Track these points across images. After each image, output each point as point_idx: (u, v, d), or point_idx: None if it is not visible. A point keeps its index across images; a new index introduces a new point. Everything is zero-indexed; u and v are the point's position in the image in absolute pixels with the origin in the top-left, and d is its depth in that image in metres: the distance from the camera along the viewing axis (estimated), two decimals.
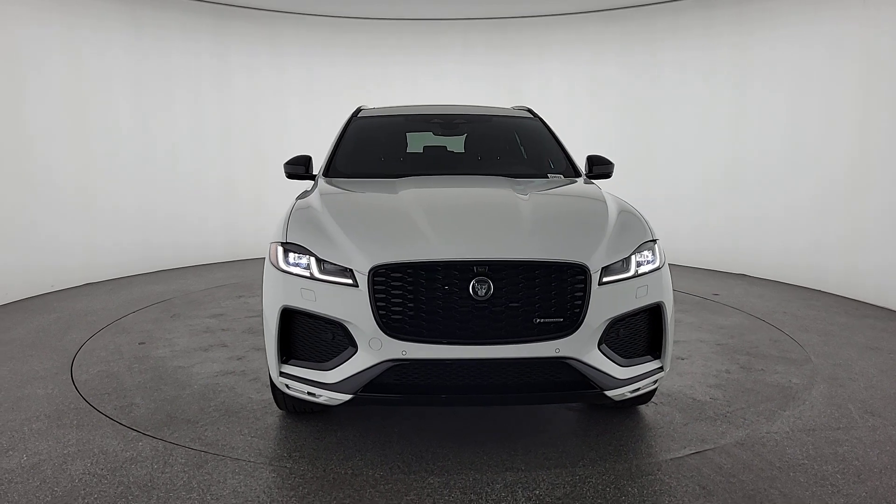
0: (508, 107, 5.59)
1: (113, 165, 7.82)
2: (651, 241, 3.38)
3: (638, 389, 3.22)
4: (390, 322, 2.96)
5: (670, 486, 3.04)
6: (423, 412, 3.83)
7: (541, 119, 5.13)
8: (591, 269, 3.03)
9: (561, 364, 3.00)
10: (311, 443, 3.47)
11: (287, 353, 3.20)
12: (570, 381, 3.06)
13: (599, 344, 3.06)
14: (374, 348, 2.95)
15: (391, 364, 2.94)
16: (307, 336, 3.15)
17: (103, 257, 7.74)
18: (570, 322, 3.00)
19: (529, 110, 5.30)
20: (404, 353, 2.93)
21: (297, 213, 3.53)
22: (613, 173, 4.60)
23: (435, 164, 4.74)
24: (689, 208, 8.81)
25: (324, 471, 3.17)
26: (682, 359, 4.89)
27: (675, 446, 3.45)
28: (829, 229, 7.25)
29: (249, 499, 2.91)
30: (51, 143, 7.10)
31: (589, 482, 3.08)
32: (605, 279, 3.08)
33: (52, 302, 6.61)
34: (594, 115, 9.45)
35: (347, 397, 3.03)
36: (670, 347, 3.31)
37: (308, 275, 3.11)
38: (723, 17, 8.28)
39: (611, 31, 9.23)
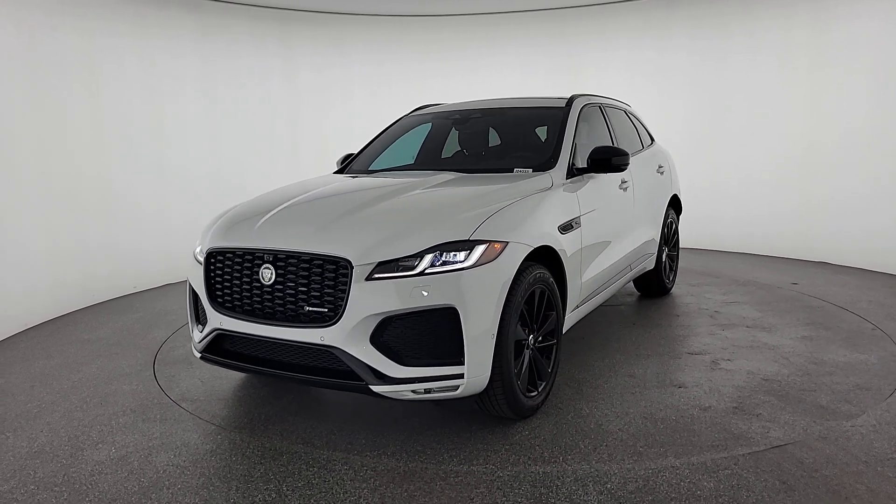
0: (556, 96, 5.28)
1: (187, 187, 8.08)
2: (465, 241, 3.19)
3: (429, 391, 3.14)
4: (215, 297, 3.56)
5: (748, 481, 2.94)
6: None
7: (568, 109, 4.73)
8: (354, 263, 3.12)
9: (328, 352, 3.17)
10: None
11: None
12: (338, 369, 3.20)
13: (373, 339, 3.11)
14: (209, 317, 3.57)
15: (218, 332, 3.52)
16: (196, 305, 3.84)
17: (179, 262, 8.04)
18: (333, 313, 3.16)
19: (571, 99, 4.91)
20: (220, 324, 3.49)
21: (229, 207, 4.18)
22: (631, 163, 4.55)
23: (427, 162, 5.08)
24: (763, 192, 8.50)
25: (398, 461, 3.22)
26: (679, 387, 4.03)
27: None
28: None
29: (323, 490, 2.99)
30: (133, 176, 7.45)
31: (662, 476, 3.02)
32: (376, 275, 3.11)
33: (134, 302, 6.94)
34: (661, 101, 9.19)
35: (199, 355, 3.74)
36: (477, 354, 3.14)
37: (194, 255, 3.84)
38: None
39: (678, 16, 8.97)
